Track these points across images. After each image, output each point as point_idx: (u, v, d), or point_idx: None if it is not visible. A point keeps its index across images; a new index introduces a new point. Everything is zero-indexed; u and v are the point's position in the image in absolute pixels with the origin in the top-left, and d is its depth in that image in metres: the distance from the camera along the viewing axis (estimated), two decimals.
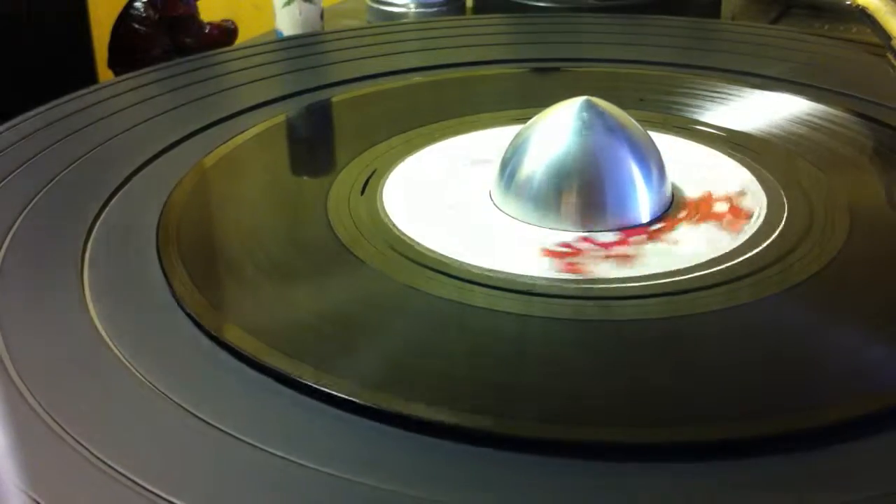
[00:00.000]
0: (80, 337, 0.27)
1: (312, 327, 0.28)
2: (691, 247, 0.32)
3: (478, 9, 0.68)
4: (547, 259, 0.31)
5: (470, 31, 0.56)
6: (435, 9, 0.66)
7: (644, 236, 0.32)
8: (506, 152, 0.35)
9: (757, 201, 0.34)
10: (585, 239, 0.32)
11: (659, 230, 0.33)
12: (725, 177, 0.37)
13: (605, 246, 0.32)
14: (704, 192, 0.35)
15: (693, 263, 0.30)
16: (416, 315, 0.28)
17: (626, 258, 0.31)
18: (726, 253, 0.31)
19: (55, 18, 0.59)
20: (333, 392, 0.24)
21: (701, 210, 0.34)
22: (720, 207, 0.34)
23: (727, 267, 0.30)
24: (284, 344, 0.26)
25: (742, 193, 0.35)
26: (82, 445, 0.22)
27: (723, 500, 0.21)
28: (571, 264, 0.31)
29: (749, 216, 0.33)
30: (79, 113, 0.42)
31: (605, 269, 0.30)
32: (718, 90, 0.44)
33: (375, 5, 0.68)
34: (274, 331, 0.27)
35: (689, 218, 0.34)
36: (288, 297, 0.30)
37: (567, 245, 0.32)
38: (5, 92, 0.55)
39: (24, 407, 0.24)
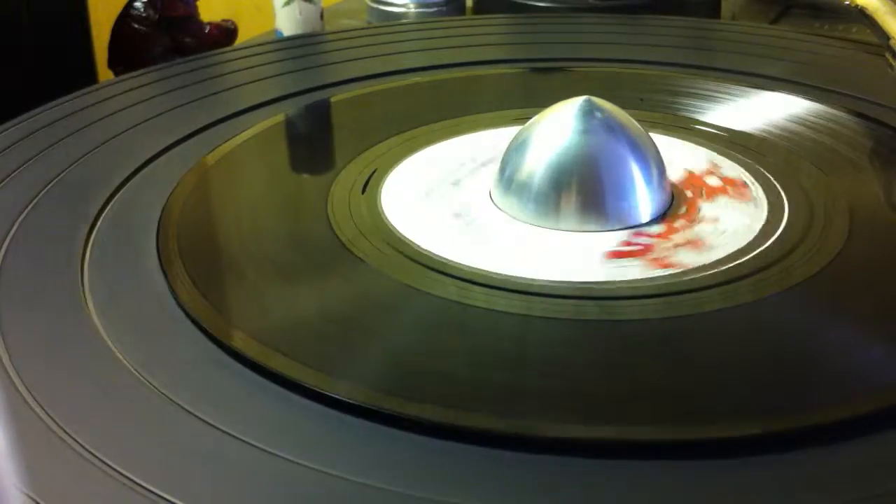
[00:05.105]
0: (80, 337, 0.27)
1: (312, 327, 0.28)
2: (734, 220, 0.33)
3: (478, 9, 0.68)
4: (619, 260, 0.31)
5: (470, 31, 0.56)
6: (435, 9, 0.66)
7: (684, 221, 0.33)
8: (506, 152, 0.35)
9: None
10: (635, 235, 0.32)
11: (687, 213, 0.34)
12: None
13: (664, 237, 0.32)
14: (684, 172, 0.36)
15: (752, 236, 0.32)
16: (417, 315, 0.28)
17: (694, 243, 0.31)
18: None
19: (55, 18, 0.59)
20: (333, 394, 0.24)
21: (696, 185, 0.35)
22: (713, 182, 0.35)
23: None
24: (285, 344, 0.26)
25: (716, 166, 0.37)
26: (82, 445, 0.22)
27: (722, 500, 0.21)
28: (656, 259, 0.31)
29: (741, 183, 0.35)
30: (78, 113, 0.42)
31: (691, 257, 0.31)
32: (718, 90, 0.44)
33: (375, 5, 0.68)
34: (274, 331, 0.27)
35: (698, 196, 0.35)
36: (288, 296, 0.30)
37: (628, 244, 0.32)
38: (5, 92, 0.55)
39: (23, 407, 0.24)
